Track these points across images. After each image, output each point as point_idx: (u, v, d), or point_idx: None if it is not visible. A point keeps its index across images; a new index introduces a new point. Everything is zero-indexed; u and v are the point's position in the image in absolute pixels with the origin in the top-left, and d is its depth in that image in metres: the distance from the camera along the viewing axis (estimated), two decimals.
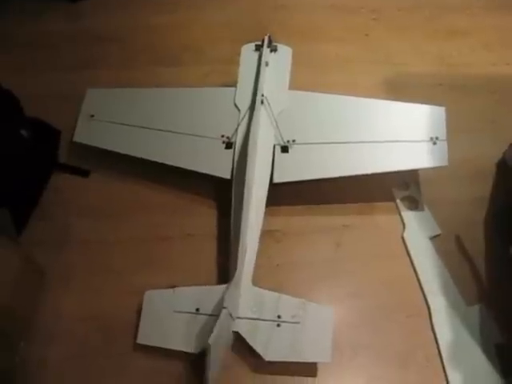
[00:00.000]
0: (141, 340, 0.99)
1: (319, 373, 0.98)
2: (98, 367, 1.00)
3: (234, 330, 0.94)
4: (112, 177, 1.21)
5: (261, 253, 1.04)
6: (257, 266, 1.02)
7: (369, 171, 1.09)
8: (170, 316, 0.98)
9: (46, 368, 1.00)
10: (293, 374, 0.98)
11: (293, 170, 1.10)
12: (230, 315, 0.91)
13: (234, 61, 1.23)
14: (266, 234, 1.08)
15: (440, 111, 1.14)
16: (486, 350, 1.00)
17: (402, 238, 1.13)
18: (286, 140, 1.11)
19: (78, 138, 1.18)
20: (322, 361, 0.96)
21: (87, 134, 1.18)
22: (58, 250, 1.12)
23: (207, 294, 0.98)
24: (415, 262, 1.10)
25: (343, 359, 1.00)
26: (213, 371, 0.89)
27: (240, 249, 0.98)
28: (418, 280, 1.08)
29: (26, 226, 1.14)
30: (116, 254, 1.12)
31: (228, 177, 1.09)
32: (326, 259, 1.10)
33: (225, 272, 1.02)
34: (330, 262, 1.10)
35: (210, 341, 0.84)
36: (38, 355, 1.01)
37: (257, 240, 1.03)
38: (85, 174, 1.21)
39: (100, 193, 1.19)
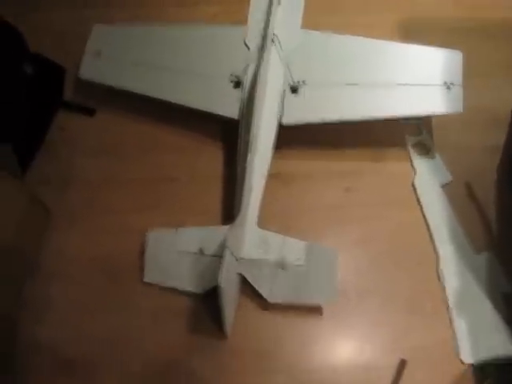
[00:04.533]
0: (146, 279, 0.99)
1: (324, 316, 0.98)
2: (103, 306, 0.99)
3: (238, 271, 0.93)
4: (118, 116, 1.18)
5: (268, 195, 1.01)
6: (263, 209, 1.00)
7: (381, 115, 1.06)
8: (174, 256, 0.97)
9: (50, 307, 1.00)
10: (298, 316, 0.97)
11: (302, 112, 1.07)
12: (233, 255, 0.89)
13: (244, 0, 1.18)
14: (274, 177, 1.05)
15: (456, 55, 1.09)
16: (492, 299, 0.99)
17: (413, 184, 1.10)
18: (296, 80, 1.07)
19: (84, 75, 1.15)
20: (326, 302, 0.95)
21: (93, 70, 1.15)
22: (63, 190, 1.11)
23: (211, 235, 0.96)
24: (425, 209, 1.08)
25: (349, 304, 0.99)
26: (229, 314, 0.89)
27: (245, 190, 0.96)
28: (428, 227, 1.06)
29: (31, 166, 1.12)
30: (121, 194, 1.10)
31: (236, 117, 1.07)
32: (334, 204, 1.08)
33: (230, 214, 1.00)
34: (338, 207, 1.08)
35: (220, 282, 0.83)
36: (42, 295, 1.00)
37: (263, 182, 1.01)
38: (91, 112, 1.19)
39: (106, 132, 1.17)
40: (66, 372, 0.95)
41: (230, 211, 1.03)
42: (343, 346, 0.98)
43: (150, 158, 1.14)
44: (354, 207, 1.08)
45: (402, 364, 0.94)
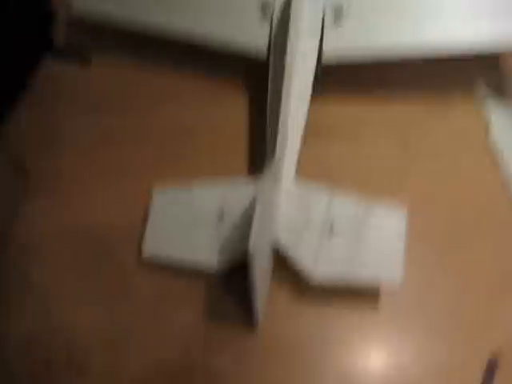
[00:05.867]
0: (147, 253, 0.75)
1: (382, 303, 0.73)
2: (93, 287, 0.77)
3: (271, 240, 0.69)
4: (118, 62, 0.96)
5: (307, 148, 0.78)
6: (300, 164, 0.76)
7: (447, 49, 0.82)
8: (186, 222, 0.74)
9: (30, 290, 0.78)
10: (346, 302, 0.73)
11: (347, 46, 0.83)
12: (266, 217, 0.66)
13: None
14: (313, 126, 0.81)
15: None
16: None
17: (485, 135, 0.87)
18: (338, 5, 0.84)
19: (77, 8, 0.92)
20: (389, 284, 0.71)
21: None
22: (48, 150, 0.89)
23: (234, 193, 0.74)
24: (499, 161, 0.85)
25: (412, 282, 0.74)
26: (260, 294, 0.66)
27: (279, 137, 0.73)
28: (503, 181, 0.83)
29: (8, 120, 0.91)
30: (121, 150, 0.87)
31: (264, 52, 0.84)
32: (389, 160, 0.85)
33: (257, 172, 0.77)
34: (394, 163, 0.84)
35: (251, 248, 0.59)
36: (20, 273, 0.79)
37: (301, 130, 0.78)
38: (85, 60, 0.96)
39: (103, 82, 0.95)
40: (46, 374, 0.72)
41: (256, 167, 0.79)
42: (403, 343, 0.73)
43: (158, 111, 0.91)
44: (413, 162, 0.84)
45: (492, 365, 0.69)
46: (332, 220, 0.70)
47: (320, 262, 0.69)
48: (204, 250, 0.73)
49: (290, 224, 0.71)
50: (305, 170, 0.76)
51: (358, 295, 0.73)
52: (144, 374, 0.72)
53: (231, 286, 0.74)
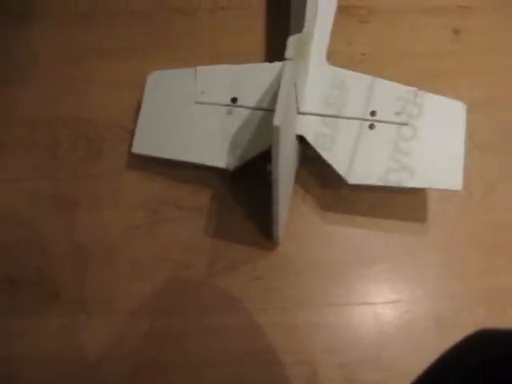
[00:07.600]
0: (138, 148, 0.61)
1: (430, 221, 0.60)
2: (78, 188, 0.64)
3: (299, 131, 0.55)
4: None
5: (337, 36, 0.63)
6: (332, 55, 0.61)
7: None
8: (189, 110, 0.59)
9: None
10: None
11: None
12: (292, 100, 0.51)
13: None
14: (345, 11, 0.69)
15: None
16: None
17: None
18: None
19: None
20: (447, 188, 0.56)
21: None
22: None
23: (250, 75, 0.58)
24: None
25: (469, 201, 0.61)
26: (282, 199, 0.52)
27: (309, 5, 0.57)
28: None
29: None
30: (110, 30, 0.72)
31: None
32: (438, 51, 0.70)
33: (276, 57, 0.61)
34: (444, 55, 0.70)
35: (277, 121, 0.44)
36: None
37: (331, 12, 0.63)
38: None
39: None
40: None
41: (275, 54, 0.64)
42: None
43: None
44: (466, 56, 0.70)
45: None
46: (373, 108, 0.56)
47: (358, 159, 0.55)
48: (210, 144, 0.58)
49: (322, 109, 0.56)
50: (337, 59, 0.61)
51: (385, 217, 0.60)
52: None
53: (242, 194, 0.61)
